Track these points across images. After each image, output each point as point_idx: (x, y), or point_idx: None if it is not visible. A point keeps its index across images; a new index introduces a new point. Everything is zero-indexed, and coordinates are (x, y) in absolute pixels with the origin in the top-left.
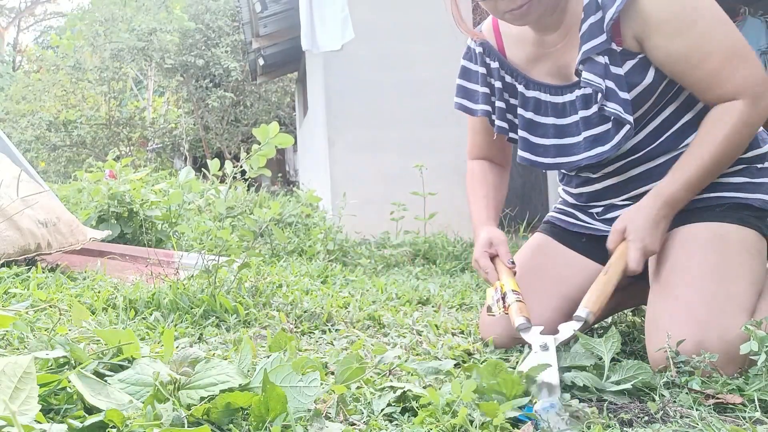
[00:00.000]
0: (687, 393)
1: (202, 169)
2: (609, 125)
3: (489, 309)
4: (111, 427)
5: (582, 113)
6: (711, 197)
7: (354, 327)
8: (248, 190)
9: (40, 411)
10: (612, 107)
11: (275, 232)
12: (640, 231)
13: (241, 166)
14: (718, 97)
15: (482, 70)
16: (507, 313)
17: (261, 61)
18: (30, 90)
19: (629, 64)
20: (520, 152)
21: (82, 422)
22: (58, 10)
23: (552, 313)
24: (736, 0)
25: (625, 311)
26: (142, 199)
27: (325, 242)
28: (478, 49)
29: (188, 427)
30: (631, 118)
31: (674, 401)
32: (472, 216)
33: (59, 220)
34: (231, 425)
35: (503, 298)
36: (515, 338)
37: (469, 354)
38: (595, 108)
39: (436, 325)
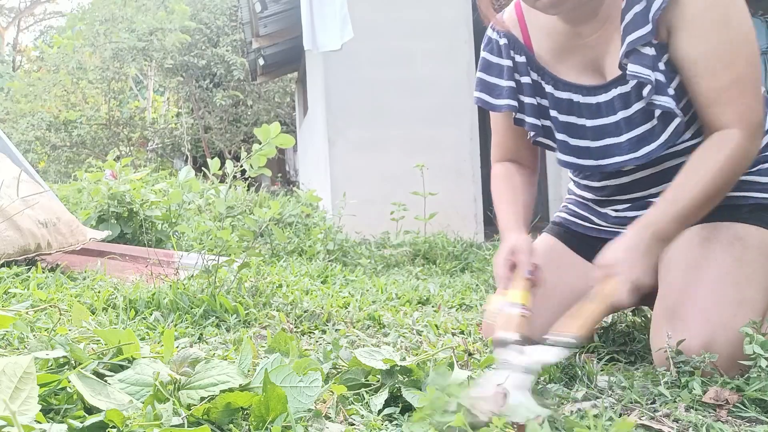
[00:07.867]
0: (688, 392)
1: (202, 168)
2: (654, 122)
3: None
4: (111, 427)
5: (622, 113)
6: (738, 196)
7: (354, 327)
8: (248, 189)
9: (40, 411)
10: (663, 101)
11: (275, 231)
12: (628, 267)
13: (241, 166)
14: (716, 117)
15: (508, 63)
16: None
17: (261, 61)
18: (31, 90)
19: (665, 58)
20: (561, 156)
21: (82, 422)
22: (57, 10)
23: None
24: None
25: (625, 311)
26: (142, 199)
27: (325, 242)
28: (502, 41)
29: (188, 427)
30: (680, 113)
31: (674, 401)
32: (500, 222)
33: (59, 221)
34: (231, 425)
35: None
36: None
37: (470, 354)
38: (636, 106)
39: (436, 325)
